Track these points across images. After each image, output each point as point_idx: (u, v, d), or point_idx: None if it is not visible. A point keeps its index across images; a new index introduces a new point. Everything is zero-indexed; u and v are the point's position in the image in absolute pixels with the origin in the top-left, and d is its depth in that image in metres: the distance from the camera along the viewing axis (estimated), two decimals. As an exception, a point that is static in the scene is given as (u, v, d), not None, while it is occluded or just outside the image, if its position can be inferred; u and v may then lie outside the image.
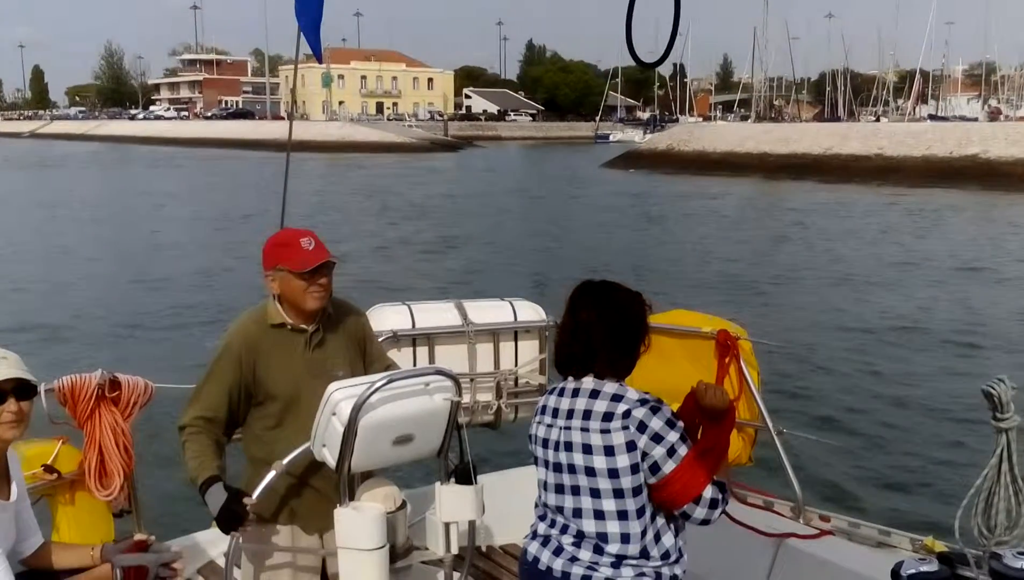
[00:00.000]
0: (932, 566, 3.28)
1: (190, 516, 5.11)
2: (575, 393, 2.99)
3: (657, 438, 2.85)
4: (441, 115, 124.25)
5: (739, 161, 57.38)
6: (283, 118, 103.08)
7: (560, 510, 3.01)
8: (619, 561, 2.88)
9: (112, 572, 3.11)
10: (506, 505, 4.17)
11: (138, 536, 3.30)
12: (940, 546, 4.04)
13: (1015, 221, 33.06)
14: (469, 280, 20.72)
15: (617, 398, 2.91)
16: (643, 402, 2.89)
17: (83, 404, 3.98)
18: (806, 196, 42.38)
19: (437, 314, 4.88)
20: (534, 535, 3.09)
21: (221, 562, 4.17)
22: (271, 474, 3.38)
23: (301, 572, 3.73)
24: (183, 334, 15.45)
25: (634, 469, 2.86)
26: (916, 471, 9.87)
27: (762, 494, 4.67)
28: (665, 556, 2.91)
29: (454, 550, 3.57)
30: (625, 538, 2.88)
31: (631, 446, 2.85)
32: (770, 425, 4.64)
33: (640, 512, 2.89)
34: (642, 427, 2.85)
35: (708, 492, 2.88)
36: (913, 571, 3.24)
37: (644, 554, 2.88)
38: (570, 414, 2.96)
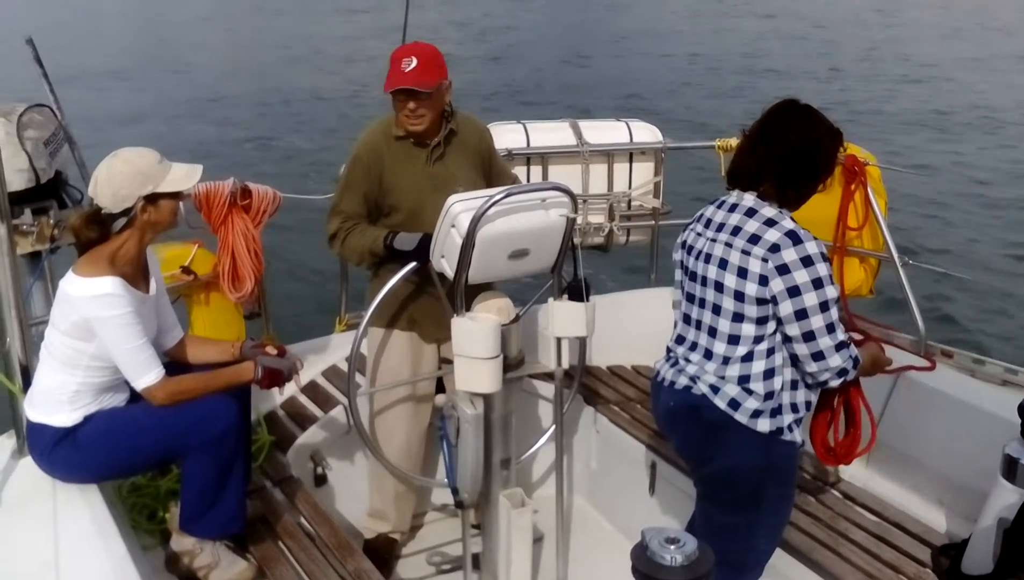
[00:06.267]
0: None
1: (314, 322, 5.37)
2: (733, 208, 2.88)
3: (794, 292, 2.73)
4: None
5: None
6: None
7: (687, 319, 3.02)
8: (719, 382, 2.87)
9: (255, 369, 3.31)
10: (614, 326, 4.21)
11: (270, 345, 3.48)
12: None
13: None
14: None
15: (771, 223, 2.78)
16: (796, 240, 2.73)
17: (217, 210, 4.17)
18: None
19: (552, 133, 4.83)
20: (667, 353, 3.13)
21: (343, 366, 4.38)
22: (398, 275, 3.50)
23: (420, 378, 3.93)
24: (307, 145, 15.71)
25: (760, 302, 2.77)
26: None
27: (883, 327, 4.59)
28: (769, 396, 2.83)
29: (564, 365, 3.63)
30: (726, 361, 2.86)
31: (763, 280, 2.75)
32: (895, 256, 4.50)
33: (757, 340, 2.82)
34: (783, 270, 2.72)
35: (835, 362, 2.80)
36: None
37: (744, 381, 2.83)
38: (720, 227, 2.88)
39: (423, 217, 3.59)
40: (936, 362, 4.16)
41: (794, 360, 2.85)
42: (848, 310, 4.52)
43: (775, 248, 2.74)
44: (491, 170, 3.88)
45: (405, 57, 3.54)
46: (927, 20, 33.46)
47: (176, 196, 3.18)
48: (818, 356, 2.79)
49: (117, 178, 3.04)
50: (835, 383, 2.87)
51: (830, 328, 2.77)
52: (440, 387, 4.08)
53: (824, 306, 2.74)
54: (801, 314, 2.74)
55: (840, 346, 2.80)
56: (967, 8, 36.38)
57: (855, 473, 4.06)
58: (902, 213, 10.13)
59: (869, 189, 4.57)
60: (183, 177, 3.16)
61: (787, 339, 2.81)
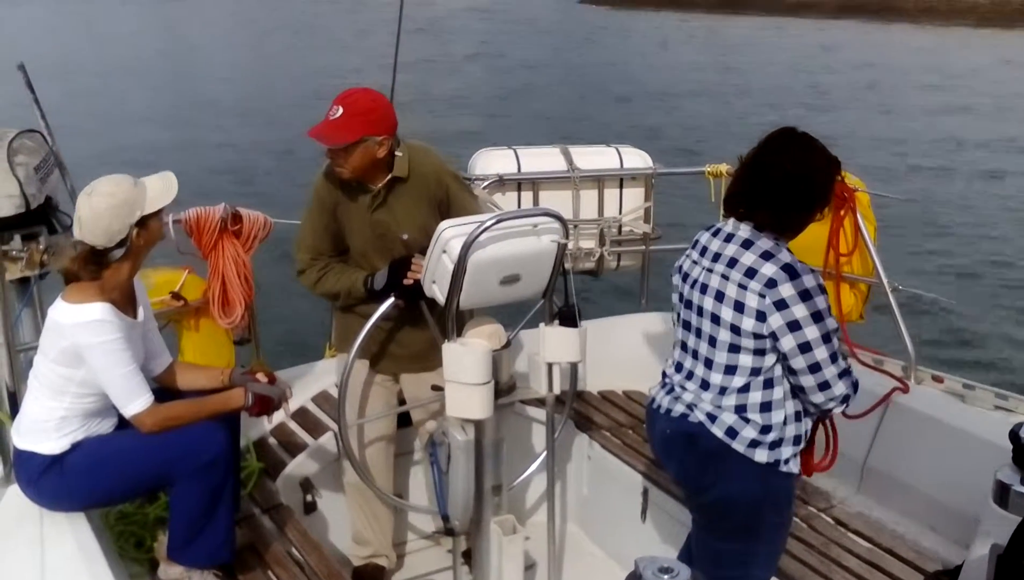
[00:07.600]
0: None
1: (305, 346, 5.35)
2: (728, 238, 2.86)
3: (794, 326, 2.71)
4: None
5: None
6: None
7: (684, 347, 3.00)
8: (716, 410, 2.85)
9: (244, 395, 3.30)
10: (605, 352, 4.19)
11: (260, 371, 3.49)
12: None
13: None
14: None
15: (767, 256, 2.76)
16: (792, 274, 2.71)
17: (207, 236, 4.16)
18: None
19: (543, 159, 4.84)
20: (662, 378, 3.12)
21: (333, 392, 4.36)
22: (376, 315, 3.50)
23: (410, 407, 3.97)
24: (299, 171, 15.69)
25: (757, 336, 2.75)
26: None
27: (873, 352, 4.59)
28: (768, 429, 2.82)
29: (556, 390, 3.62)
30: (723, 391, 2.84)
31: (760, 316, 2.73)
32: (885, 281, 4.52)
33: (755, 372, 2.80)
34: (781, 305, 2.70)
35: (840, 389, 2.80)
36: None
37: (741, 410, 2.82)
38: (716, 257, 2.86)
39: (370, 260, 3.68)
40: (909, 385, 4.19)
41: (796, 392, 2.84)
42: (847, 337, 4.52)
43: (772, 283, 2.72)
44: (448, 212, 3.66)
45: (335, 104, 3.49)
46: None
47: (160, 211, 3.17)
48: (824, 386, 2.78)
49: (105, 215, 3.02)
50: (839, 410, 2.88)
51: (833, 357, 2.77)
52: (402, 421, 4.11)
53: (827, 338, 2.74)
54: (805, 347, 2.73)
55: (843, 374, 2.81)
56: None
57: (847, 499, 4.05)
58: (891, 239, 10.17)
59: (858, 215, 4.59)
60: (162, 192, 3.16)
61: (792, 372, 2.79)
